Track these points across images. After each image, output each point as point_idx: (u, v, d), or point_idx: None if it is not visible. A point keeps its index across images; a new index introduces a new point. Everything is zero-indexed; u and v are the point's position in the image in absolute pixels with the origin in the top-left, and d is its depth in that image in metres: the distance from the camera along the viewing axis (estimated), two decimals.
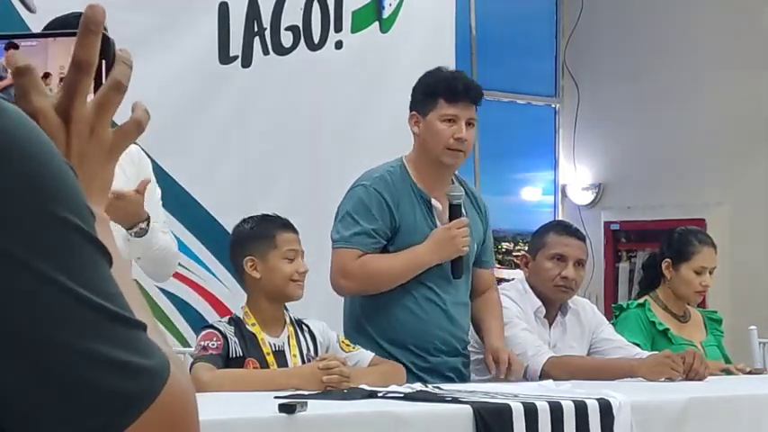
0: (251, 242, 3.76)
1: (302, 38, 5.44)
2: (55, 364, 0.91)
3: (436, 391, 3.39)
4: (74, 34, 1.10)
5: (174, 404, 0.97)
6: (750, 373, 4.75)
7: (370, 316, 4.10)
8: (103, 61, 1.10)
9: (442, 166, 4.14)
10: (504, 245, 9.07)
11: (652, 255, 5.19)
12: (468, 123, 4.11)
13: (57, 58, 1.12)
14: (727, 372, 4.67)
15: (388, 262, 4.04)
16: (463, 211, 4.15)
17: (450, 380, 4.04)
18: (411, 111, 4.18)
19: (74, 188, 0.97)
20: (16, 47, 1.12)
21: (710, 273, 4.88)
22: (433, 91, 4.12)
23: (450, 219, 4.11)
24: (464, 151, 4.14)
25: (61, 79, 1.11)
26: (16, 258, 0.91)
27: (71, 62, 1.08)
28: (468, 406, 3.01)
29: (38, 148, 0.95)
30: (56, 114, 1.07)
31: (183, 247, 4.82)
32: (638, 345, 4.55)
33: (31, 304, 0.91)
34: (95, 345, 0.92)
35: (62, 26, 3.09)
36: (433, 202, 4.13)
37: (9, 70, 1.11)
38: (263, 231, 3.75)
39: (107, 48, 1.10)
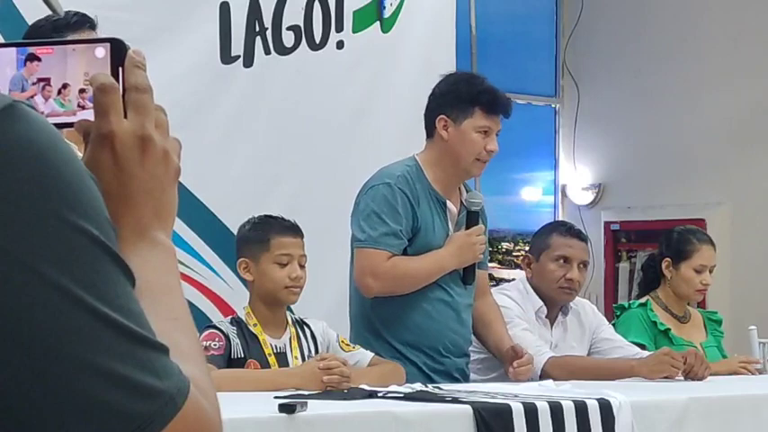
0: (245, 244, 3.76)
1: (304, 38, 5.44)
2: (61, 378, 0.87)
3: (436, 391, 3.39)
4: (92, 41, 1.08)
5: (191, 430, 0.93)
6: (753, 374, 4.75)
7: (385, 318, 4.08)
8: (120, 68, 1.08)
9: (465, 175, 4.15)
10: (504, 245, 9.05)
11: (651, 255, 5.20)
12: (497, 134, 4.13)
13: (77, 67, 1.09)
14: (736, 373, 4.65)
15: (416, 264, 4.02)
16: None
17: (456, 381, 4.05)
18: (439, 113, 4.12)
19: (94, 199, 0.93)
20: (37, 58, 1.08)
21: (710, 271, 4.88)
22: (473, 100, 4.08)
23: (468, 225, 4.11)
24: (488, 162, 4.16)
25: (80, 90, 1.08)
26: (23, 262, 0.87)
27: (95, 89, 1.05)
28: (468, 406, 3.01)
29: (57, 156, 0.91)
30: (132, 138, 1.05)
31: (185, 246, 4.82)
32: (643, 345, 4.55)
33: (36, 311, 0.87)
34: (107, 361, 0.88)
35: (38, 33, 3.05)
36: (449, 204, 4.13)
37: (29, 81, 1.08)
38: (259, 234, 3.73)
39: (123, 53, 1.08)
